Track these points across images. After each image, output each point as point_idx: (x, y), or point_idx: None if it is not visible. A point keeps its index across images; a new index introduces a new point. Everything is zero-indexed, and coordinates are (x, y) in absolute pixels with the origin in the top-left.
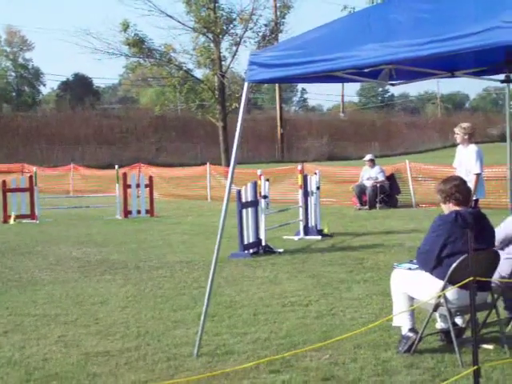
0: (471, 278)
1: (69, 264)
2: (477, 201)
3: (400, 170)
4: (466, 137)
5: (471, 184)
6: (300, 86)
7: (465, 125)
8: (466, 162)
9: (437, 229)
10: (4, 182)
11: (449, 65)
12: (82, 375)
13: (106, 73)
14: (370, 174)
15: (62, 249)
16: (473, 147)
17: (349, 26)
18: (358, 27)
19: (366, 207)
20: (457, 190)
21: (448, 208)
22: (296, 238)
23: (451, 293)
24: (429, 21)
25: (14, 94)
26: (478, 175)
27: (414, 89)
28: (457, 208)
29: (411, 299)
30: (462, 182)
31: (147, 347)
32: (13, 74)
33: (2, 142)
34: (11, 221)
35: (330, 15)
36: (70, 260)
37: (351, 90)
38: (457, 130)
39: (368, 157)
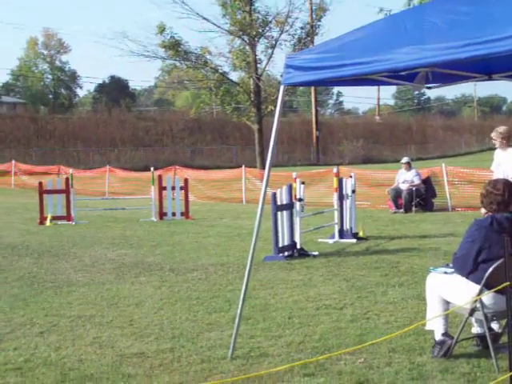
0: (507, 283)
1: (104, 266)
2: None
3: (436, 174)
4: (505, 141)
5: None
6: (336, 89)
7: (501, 129)
8: (504, 165)
9: (473, 234)
10: (41, 183)
11: (486, 68)
12: (117, 376)
13: (142, 75)
14: (405, 178)
15: (97, 250)
16: (511, 151)
17: (385, 28)
18: (394, 30)
19: (402, 210)
20: (495, 198)
21: (486, 212)
22: (331, 241)
23: (487, 297)
24: (466, 23)
25: (50, 96)
26: None
27: (451, 92)
28: (494, 213)
29: (446, 303)
30: (504, 191)
31: (182, 349)
32: (50, 76)
33: (39, 144)
34: (47, 222)
35: (366, 18)
36: (105, 262)
37: (387, 93)
38: (493, 135)
39: (405, 159)
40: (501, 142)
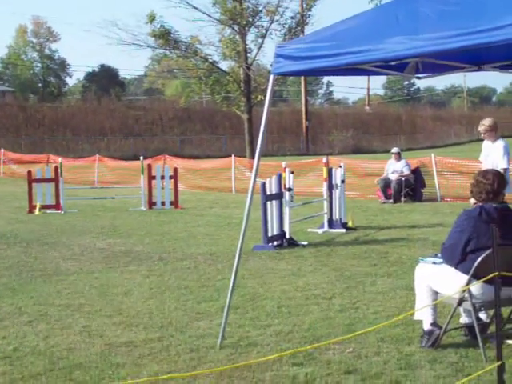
0: (496, 273)
1: (93, 255)
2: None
3: (425, 164)
4: (493, 132)
5: None
6: (326, 78)
7: (486, 121)
8: (492, 156)
9: (461, 223)
10: (30, 172)
11: (476, 58)
12: (106, 365)
13: (132, 64)
14: (394, 168)
15: (86, 239)
16: (500, 142)
17: (376, 18)
18: (385, 20)
19: (391, 201)
20: (484, 187)
21: (475, 202)
22: (320, 230)
23: (476, 287)
24: (457, 14)
25: (40, 84)
26: (505, 170)
27: (441, 82)
28: (483, 202)
29: (435, 293)
30: (495, 180)
31: (170, 338)
32: (39, 64)
33: (28, 133)
34: (36, 211)
35: (357, 7)
36: (94, 251)
37: (377, 83)
38: (481, 129)
39: (395, 150)
40: (490, 135)
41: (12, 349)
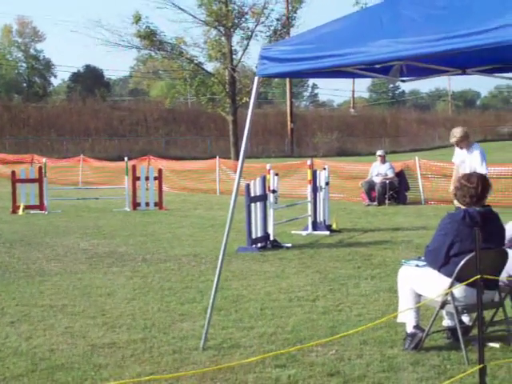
0: (478, 276)
1: (76, 255)
2: None
3: (409, 167)
4: (466, 141)
5: None
6: (311, 81)
7: (457, 133)
8: (470, 163)
9: (445, 227)
10: (13, 172)
11: (460, 62)
12: (88, 366)
13: (117, 65)
14: (379, 170)
15: (70, 240)
16: (476, 149)
17: (360, 21)
18: (369, 23)
19: (375, 203)
20: (468, 191)
21: (459, 205)
22: (304, 233)
23: (458, 290)
24: (441, 17)
25: (24, 84)
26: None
27: (425, 85)
28: (466, 207)
29: (417, 296)
30: (479, 184)
31: (153, 339)
32: (24, 64)
33: (12, 133)
34: (20, 211)
35: (342, 10)
36: (77, 251)
37: (362, 86)
38: (452, 140)
39: (379, 152)
40: (463, 144)
41: None
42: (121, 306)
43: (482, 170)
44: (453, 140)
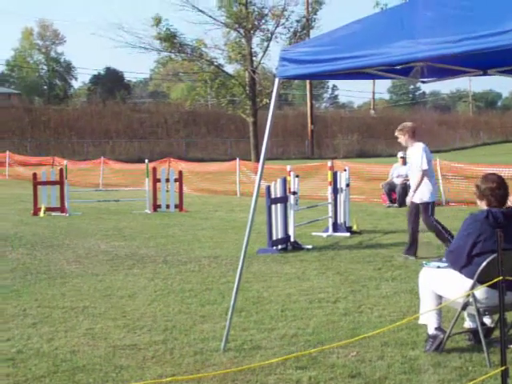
0: (500, 278)
1: (97, 257)
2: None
3: None
4: (406, 136)
5: (417, 181)
6: (331, 82)
7: (401, 126)
8: (412, 160)
9: (467, 227)
10: (35, 174)
11: (481, 63)
12: (110, 368)
13: (138, 67)
14: (399, 172)
15: (90, 242)
16: (417, 145)
17: (381, 22)
18: (390, 24)
19: (396, 205)
20: (491, 191)
21: (482, 205)
22: (325, 234)
23: (480, 292)
24: (462, 18)
25: (45, 87)
26: (425, 171)
27: (446, 87)
28: (489, 207)
29: (439, 298)
30: (500, 184)
31: (174, 341)
32: (45, 67)
33: (34, 135)
34: (41, 213)
35: (363, 12)
36: (98, 253)
37: (382, 87)
38: (396, 133)
39: (400, 154)
40: (405, 139)
41: (16, 351)
42: (142, 308)
43: (423, 165)
44: (396, 133)
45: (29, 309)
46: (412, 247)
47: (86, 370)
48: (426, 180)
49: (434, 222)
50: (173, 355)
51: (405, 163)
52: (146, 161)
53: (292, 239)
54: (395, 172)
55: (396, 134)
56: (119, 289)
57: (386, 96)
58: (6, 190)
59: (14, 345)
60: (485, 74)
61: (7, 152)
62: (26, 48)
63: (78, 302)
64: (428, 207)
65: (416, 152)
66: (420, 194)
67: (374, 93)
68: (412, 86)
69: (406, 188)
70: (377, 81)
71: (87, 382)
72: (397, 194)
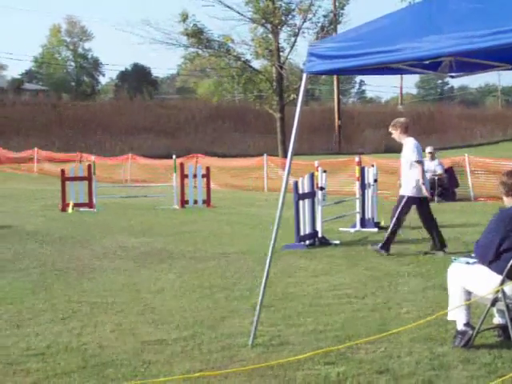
0: None
1: (125, 253)
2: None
3: (458, 163)
4: (399, 131)
5: (417, 176)
6: (358, 77)
7: (394, 121)
8: (405, 154)
9: (496, 222)
10: (63, 170)
11: (510, 57)
12: (138, 363)
13: (165, 63)
14: (428, 167)
15: (118, 238)
16: (409, 140)
17: (408, 17)
18: (417, 18)
19: None
20: None
21: (510, 201)
22: (352, 230)
23: (509, 288)
24: (490, 11)
25: (73, 83)
26: (419, 162)
27: (475, 81)
28: None
29: (468, 294)
30: None
31: (202, 336)
32: (72, 63)
33: (61, 132)
34: (69, 209)
35: (390, 6)
36: (126, 249)
37: (410, 82)
38: (390, 129)
39: (429, 149)
40: (398, 135)
41: (45, 346)
42: (170, 303)
43: (414, 157)
44: (390, 129)
45: (57, 304)
46: (435, 242)
47: (114, 365)
48: (414, 175)
49: (400, 217)
50: (201, 350)
51: (433, 158)
52: (174, 156)
53: (320, 234)
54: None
55: (389, 129)
56: (147, 284)
57: (414, 91)
58: (35, 186)
59: (43, 339)
60: None
61: (35, 148)
62: (53, 45)
63: (106, 297)
64: (404, 200)
65: (407, 147)
66: (405, 187)
67: (401, 87)
68: (440, 81)
69: (434, 183)
70: (405, 76)
71: (116, 377)
72: None
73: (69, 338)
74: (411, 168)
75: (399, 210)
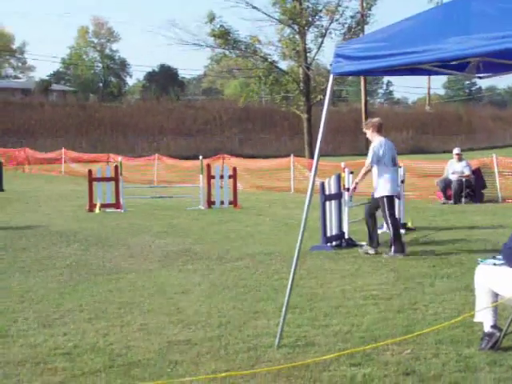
0: None
1: (152, 253)
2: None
3: (486, 164)
4: (370, 130)
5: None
6: (385, 78)
7: (367, 121)
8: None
9: None
10: (90, 171)
11: None
12: (164, 363)
13: (191, 64)
14: (455, 168)
15: (145, 238)
16: (377, 139)
17: (435, 18)
18: (444, 19)
19: (451, 201)
20: None
21: None
22: (379, 231)
23: None
24: None
25: (100, 84)
26: (369, 164)
27: (503, 82)
28: None
29: (495, 295)
30: None
31: (228, 337)
32: (100, 64)
33: (89, 132)
34: (96, 210)
35: (417, 7)
36: (152, 249)
37: (437, 83)
38: (363, 129)
39: (456, 150)
40: (370, 134)
41: (72, 345)
42: (196, 304)
43: (367, 160)
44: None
45: (84, 304)
46: (396, 243)
47: (141, 364)
48: (384, 174)
49: (391, 219)
50: (227, 351)
51: (460, 159)
52: (201, 157)
53: (346, 236)
54: (450, 168)
55: (363, 129)
56: (173, 285)
57: (442, 91)
58: (62, 187)
59: (70, 339)
60: None
61: (62, 149)
62: (81, 46)
63: (132, 297)
64: (383, 201)
65: (370, 147)
66: (380, 189)
67: (429, 88)
68: (468, 82)
69: (461, 184)
70: (432, 76)
71: (142, 377)
72: (452, 190)
73: (96, 338)
74: (380, 168)
75: (386, 213)
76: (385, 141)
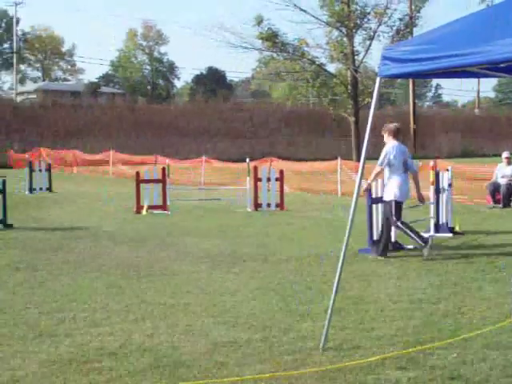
0: None
1: (198, 255)
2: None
3: None
4: (386, 135)
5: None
6: (434, 81)
7: (384, 126)
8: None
9: None
10: (138, 173)
11: None
12: (210, 364)
13: (239, 66)
14: (504, 172)
15: (191, 240)
16: (389, 143)
17: (485, 19)
18: (494, 21)
19: (500, 206)
20: None
21: None
22: (426, 235)
23: None
24: None
25: (149, 87)
26: (379, 166)
27: None
28: None
29: None
30: None
31: (273, 339)
32: (148, 67)
33: (137, 134)
34: (144, 211)
35: (468, 8)
36: (199, 251)
37: (487, 86)
38: (382, 133)
39: (505, 154)
40: (386, 138)
41: (118, 345)
42: (242, 306)
43: (378, 162)
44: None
45: (131, 305)
46: (380, 246)
47: (186, 365)
48: (394, 178)
49: (398, 224)
50: (272, 353)
51: (509, 163)
52: (247, 160)
53: (393, 239)
54: (500, 172)
55: (382, 132)
56: (219, 286)
57: (492, 94)
58: (110, 188)
59: (116, 339)
60: None
61: (111, 151)
62: (130, 49)
63: (178, 298)
64: (391, 205)
65: (383, 149)
66: (388, 192)
67: (478, 91)
68: None
69: (510, 188)
70: (482, 79)
71: (188, 378)
72: (501, 194)
73: (141, 339)
74: (391, 172)
75: (390, 217)
76: (397, 145)
